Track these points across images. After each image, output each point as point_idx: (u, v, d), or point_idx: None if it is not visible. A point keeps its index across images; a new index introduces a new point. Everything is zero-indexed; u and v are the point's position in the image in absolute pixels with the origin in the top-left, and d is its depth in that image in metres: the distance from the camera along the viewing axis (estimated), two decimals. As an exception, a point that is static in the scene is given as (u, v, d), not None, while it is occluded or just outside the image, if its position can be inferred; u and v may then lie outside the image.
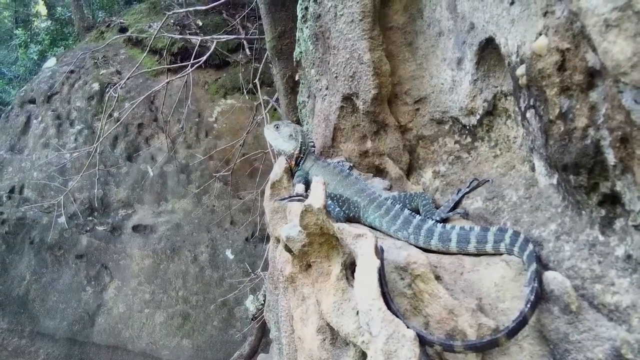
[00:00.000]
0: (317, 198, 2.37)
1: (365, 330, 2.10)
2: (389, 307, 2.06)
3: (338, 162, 3.63)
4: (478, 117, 3.07)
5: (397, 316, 2.03)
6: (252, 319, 7.44)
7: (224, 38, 9.76)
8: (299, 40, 4.49)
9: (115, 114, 9.79)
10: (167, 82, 9.00)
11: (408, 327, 1.97)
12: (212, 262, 9.29)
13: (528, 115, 2.44)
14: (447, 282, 2.40)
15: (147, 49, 9.78)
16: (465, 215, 2.96)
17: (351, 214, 3.11)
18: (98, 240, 9.57)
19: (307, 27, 4.19)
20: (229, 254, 9.29)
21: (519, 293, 2.30)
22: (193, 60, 9.05)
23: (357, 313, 2.21)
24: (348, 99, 3.75)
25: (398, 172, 3.63)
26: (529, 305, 2.09)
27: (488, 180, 2.97)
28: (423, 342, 2.04)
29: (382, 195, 3.16)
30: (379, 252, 2.32)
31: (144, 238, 9.53)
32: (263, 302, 6.60)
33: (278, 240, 3.28)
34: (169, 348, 8.88)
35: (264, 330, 7.56)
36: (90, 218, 9.73)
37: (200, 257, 9.31)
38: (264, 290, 6.31)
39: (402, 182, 3.62)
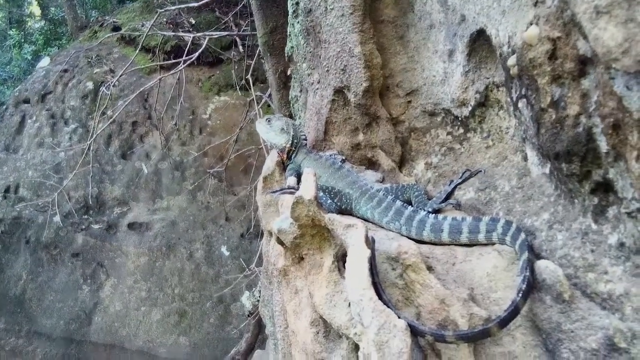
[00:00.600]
0: (307, 189, 2.36)
1: (357, 321, 2.10)
2: (380, 298, 2.06)
3: (330, 155, 3.63)
4: (470, 108, 3.07)
5: (388, 306, 2.03)
6: (248, 316, 7.45)
7: (216, 35, 9.71)
8: (290, 35, 4.48)
9: (109, 112, 9.74)
10: (160, 79, 8.97)
11: (399, 318, 1.96)
12: (208, 259, 9.28)
13: (520, 105, 2.44)
14: (439, 273, 2.40)
15: (140, 47, 9.75)
16: (458, 206, 2.95)
17: (343, 206, 3.10)
18: (93, 239, 9.54)
19: (298, 22, 4.19)
20: (224, 250, 9.27)
21: (511, 282, 2.30)
22: (185, 57, 9.03)
23: (349, 305, 2.21)
24: (339, 92, 3.74)
25: (390, 164, 3.62)
26: (521, 295, 2.08)
27: (480, 171, 2.97)
28: (414, 332, 2.04)
29: (374, 187, 3.15)
30: (370, 242, 2.32)
31: (140, 236, 9.50)
32: (259, 298, 6.60)
33: (271, 234, 3.26)
34: (165, 345, 8.86)
35: (260, 326, 7.56)
36: (86, 216, 9.70)
37: (195, 254, 9.29)
38: (260, 286, 6.30)
39: (395, 174, 3.61)
